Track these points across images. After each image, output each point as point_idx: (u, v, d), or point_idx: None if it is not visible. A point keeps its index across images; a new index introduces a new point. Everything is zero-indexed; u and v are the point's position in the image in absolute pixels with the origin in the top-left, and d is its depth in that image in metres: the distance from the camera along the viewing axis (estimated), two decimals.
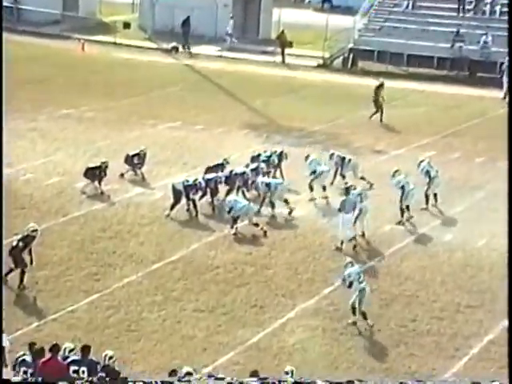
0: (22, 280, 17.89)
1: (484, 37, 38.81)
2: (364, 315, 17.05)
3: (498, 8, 40.06)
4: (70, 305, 17.42)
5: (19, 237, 18.15)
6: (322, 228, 21.93)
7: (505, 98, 35.32)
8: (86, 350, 13.57)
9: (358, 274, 17.21)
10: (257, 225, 21.29)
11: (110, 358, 13.42)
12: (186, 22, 41.68)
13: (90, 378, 12.63)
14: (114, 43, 42.51)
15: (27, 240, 18.07)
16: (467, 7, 40.41)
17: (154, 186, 24.10)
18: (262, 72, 38.84)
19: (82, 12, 46.10)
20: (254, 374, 13.04)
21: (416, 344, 16.73)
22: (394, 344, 16.73)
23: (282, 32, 41.90)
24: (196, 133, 28.51)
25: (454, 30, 39.47)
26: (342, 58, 40.99)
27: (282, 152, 24.56)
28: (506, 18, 39.64)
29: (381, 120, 31.07)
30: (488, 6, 40.17)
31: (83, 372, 13.24)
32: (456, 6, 40.43)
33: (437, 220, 22.43)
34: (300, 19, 45.76)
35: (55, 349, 13.45)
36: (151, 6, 43.78)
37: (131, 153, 24.35)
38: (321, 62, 40.94)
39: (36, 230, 18.27)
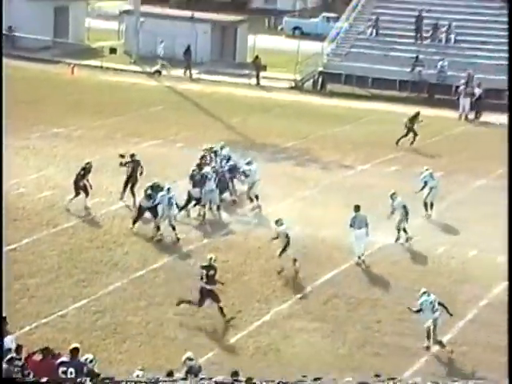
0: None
1: (441, 62, 39.07)
2: (441, 343, 16.55)
3: (452, 36, 40.40)
4: (60, 310, 17.25)
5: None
6: (294, 237, 21.85)
7: (460, 118, 35.54)
8: (74, 352, 13.40)
9: (431, 302, 16.66)
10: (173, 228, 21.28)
11: (91, 361, 13.27)
12: (187, 51, 41.95)
13: (79, 380, 12.45)
14: (101, 67, 42.44)
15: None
16: (425, 35, 40.72)
17: (138, 200, 23.89)
18: (238, 93, 38.86)
19: (72, 38, 45.97)
20: (234, 374, 12.89)
21: (380, 344, 16.70)
22: (361, 344, 16.70)
23: (257, 56, 41.99)
24: (177, 149, 28.40)
25: (414, 55, 39.72)
26: (312, 80, 41.12)
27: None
28: (460, 45, 40.09)
29: (411, 143, 30.37)
30: (444, 35, 40.50)
31: (71, 373, 13.07)
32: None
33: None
34: (273, 45, 45.85)
35: (46, 351, 13.27)
36: (136, 32, 43.73)
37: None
38: (293, 84, 41.03)
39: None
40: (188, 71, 41.60)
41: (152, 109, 34.54)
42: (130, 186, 23.50)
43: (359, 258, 20.35)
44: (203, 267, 17.43)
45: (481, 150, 30.28)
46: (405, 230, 21.39)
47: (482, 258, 20.85)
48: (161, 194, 21.40)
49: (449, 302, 18.21)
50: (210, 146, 25.24)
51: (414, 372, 15.67)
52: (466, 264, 20.45)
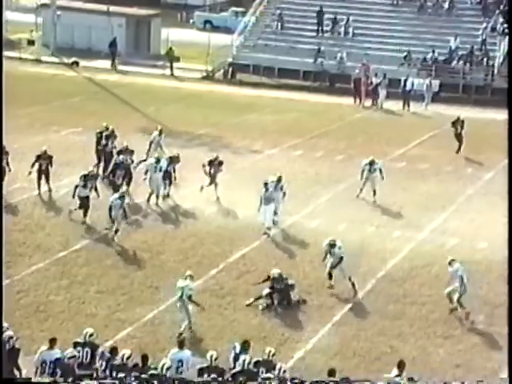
0: None
1: (340, 53, 39.61)
2: (461, 304, 16.69)
3: (350, 29, 40.97)
4: None
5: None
6: (208, 218, 21.92)
7: (375, 104, 35.83)
8: None
9: (463, 270, 16.71)
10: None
11: (10, 338, 13.01)
12: (113, 43, 41.19)
13: None
14: (20, 58, 41.36)
15: None
16: (325, 28, 41.17)
17: (59, 185, 23.49)
18: (153, 83, 38.46)
19: None
20: (331, 372, 12.42)
21: (289, 315, 16.90)
22: (271, 316, 16.86)
23: (171, 48, 41.68)
24: (95, 137, 27.91)
25: (316, 47, 40.12)
26: (222, 70, 41.09)
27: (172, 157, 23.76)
28: (357, 38, 40.68)
29: (457, 151, 28.01)
30: (342, 28, 41.05)
31: None
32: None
33: (305, 209, 22.68)
34: (186, 38, 45.53)
35: None
36: (53, 24, 42.77)
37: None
38: (205, 74, 40.90)
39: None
40: (114, 63, 40.99)
41: (71, 99, 33.88)
42: (43, 178, 22.73)
43: (268, 228, 20.67)
44: None
45: (378, 135, 30.88)
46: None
47: (379, 234, 21.31)
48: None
49: (350, 273, 18.62)
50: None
51: (318, 339, 15.90)
52: (364, 239, 20.86)
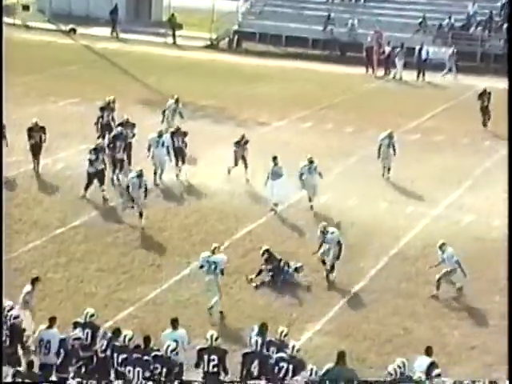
0: None
1: (351, 20, 39.30)
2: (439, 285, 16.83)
3: None
4: None
5: None
6: (212, 193, 21.87)
7: (387, 74, 35.64)
8: None
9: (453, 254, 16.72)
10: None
11: (16, 317, 13.08)
12: (114, 10, 41.02)
13: None
14: (14, 24, 41.19)
15: None
16: None
17: (56, 158, 23.46)
18: (154, 52, 38.31)
19: None
20: (341, 355, 12.35)
21: (296, 295, 16.90)
22: (277, 296, 16.86)
23: (173, 15, 41.44)
24: (94, 108, 27.84)
25: (326, 14, 39.78)
26: (227, 39, 40.83)
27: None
28: (368, 3, 40.30)
29: (484, 125, 27.76)
30: None
31: None
32: None
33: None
34: (189, 3, 45.17)
35: None
36: None
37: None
38: (208, 42, 40.68)
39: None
40: (115, 30, 40.81)
41: (68, 67, 33.78)
42: (34, 153, 22.21)
43: (274, 204, 20.62)
44: None
45: (391, 106, 30.72)
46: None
47: (391, 210, 21.25)
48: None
49: (359, 253, 18.63)
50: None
51: (326, 321, 15.94)
52: (376, 215, 20.81)
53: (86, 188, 20.88)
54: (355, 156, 24.88)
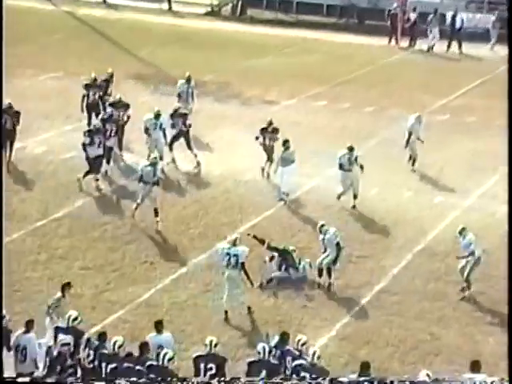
0: None
1: None
2: (469, 283, 16.94)
3: None
4: None
5: None
6: (214, 181, 21.90)
7: (411, 45, 35.67)
8: None
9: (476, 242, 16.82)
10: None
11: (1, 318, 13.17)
12: None
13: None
14: None
15: None
16: None
17: (36, 141, 23.50)
18: (147, 20, 38.26)
19: None
20: (365, 366, 12.38)
21: (307, 296, 16.93)
22: (286, 296, 16.89)
23: None
24: (79, 84, 27.84)
25: None
26: (230, 5, 40.74)
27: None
28: None
29: None
30: None
31: None
32: None
33: (328, 170, 22.57)
34: None
35: None
36: None
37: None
38: (209, 9, 40.61)
39: None
40: None
41: (49, 37, 33.82)
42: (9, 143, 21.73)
43: (284, 193, 20.66)
44: None
45: (416, 82, 30.66)
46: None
47: (417, 200, 21.24)
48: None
49: (382, 249, 18.64)
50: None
51: (343, 324, 15.96)
52: (400, 206, 20.81)
53: (85, 175, 20.81)
54: (375, 138, 24.85)
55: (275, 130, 21.96)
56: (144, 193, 19.32)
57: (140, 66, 31.22)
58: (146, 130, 22.05)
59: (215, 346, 12.75)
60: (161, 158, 21.96)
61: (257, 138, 21.93)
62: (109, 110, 22.48)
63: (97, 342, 12.91)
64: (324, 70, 31.67)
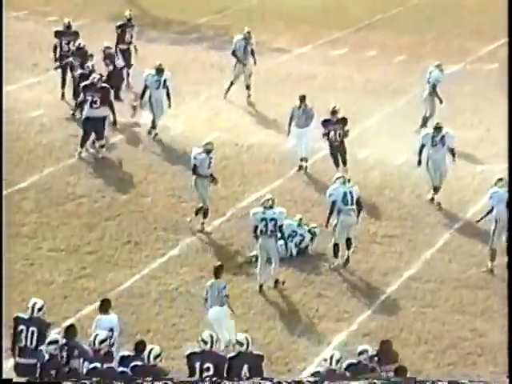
0: None
1: None
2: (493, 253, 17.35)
3: None
4: None
5: None
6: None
7: None
8: None
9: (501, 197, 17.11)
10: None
11: None
12: None
13: None
14: None
15: None
16: None
17: None
18: None
19: None
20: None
21: (324, 282, 16.97)
22: (299, 284, 16.93)
23: None
24: (47, 26, 27.77)
25: None
26: None
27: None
28: None
29: None
30: None
31: None
32: None
33: (351, 133, 22.54)
34: None
35: None
36: None
37: None
38: None
39: None
40: None
41: None
42: None
43: (301, 160, 20.75)
44: None
45: (457, 25, 30.60)
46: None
47: (455, 168, 21.19)
48: None
49: (412, 227, 18.67)
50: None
51: (367, 317, 16.01)
52: None
53: (83, 143, 20.75)
54: (406, 95, 24.84)
55: (344, 122, 20.41)
56: (202, 190, 18.48)
57: (121, 5, 31.02)
58: (145, 89, 21.78)
59: (216, 342, 12.77)
60: (158, 119, 21.86)
61: (324, 135, 20.39)
62: (93, 76, 21.61)
63: (64, 340, 12.75)
64: (344, 11, 31.65)
